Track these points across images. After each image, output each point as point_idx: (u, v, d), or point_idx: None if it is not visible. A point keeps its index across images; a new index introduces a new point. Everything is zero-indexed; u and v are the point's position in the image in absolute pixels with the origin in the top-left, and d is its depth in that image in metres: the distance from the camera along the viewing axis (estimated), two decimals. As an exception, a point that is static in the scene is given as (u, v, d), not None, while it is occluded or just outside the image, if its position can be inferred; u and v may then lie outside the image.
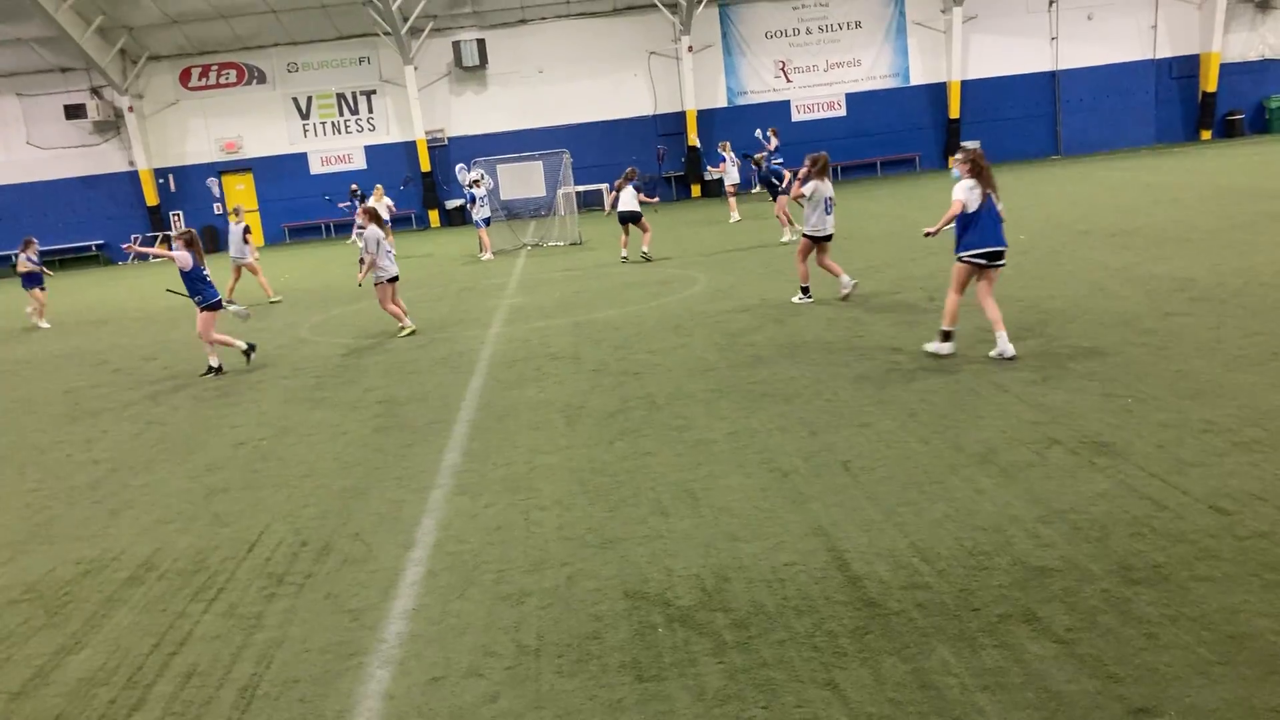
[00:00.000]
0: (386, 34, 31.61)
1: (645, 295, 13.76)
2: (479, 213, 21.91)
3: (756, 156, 20.15)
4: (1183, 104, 34.28)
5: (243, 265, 17.69)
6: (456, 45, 32.73)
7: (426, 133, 33.37)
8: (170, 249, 11.50)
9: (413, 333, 12.48)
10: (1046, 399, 6.87)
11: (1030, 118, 33.98)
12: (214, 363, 11.25)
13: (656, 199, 20.96)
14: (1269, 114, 33.84)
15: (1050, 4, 33.75)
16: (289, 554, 5.55)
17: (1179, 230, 13.98)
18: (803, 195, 11.55)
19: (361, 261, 12.37)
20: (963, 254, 8.21)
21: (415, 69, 32.59)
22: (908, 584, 4.38)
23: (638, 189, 17.98)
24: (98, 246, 33.43)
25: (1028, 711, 3.37)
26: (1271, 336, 7.84)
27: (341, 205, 27.48)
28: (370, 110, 34.03)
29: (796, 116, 33.94)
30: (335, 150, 34.14)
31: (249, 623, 4.72)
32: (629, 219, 17.90)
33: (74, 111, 32.53)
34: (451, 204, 33.56)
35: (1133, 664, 3.59)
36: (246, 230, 17.81)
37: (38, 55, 32.03)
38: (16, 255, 18.24)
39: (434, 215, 34.02)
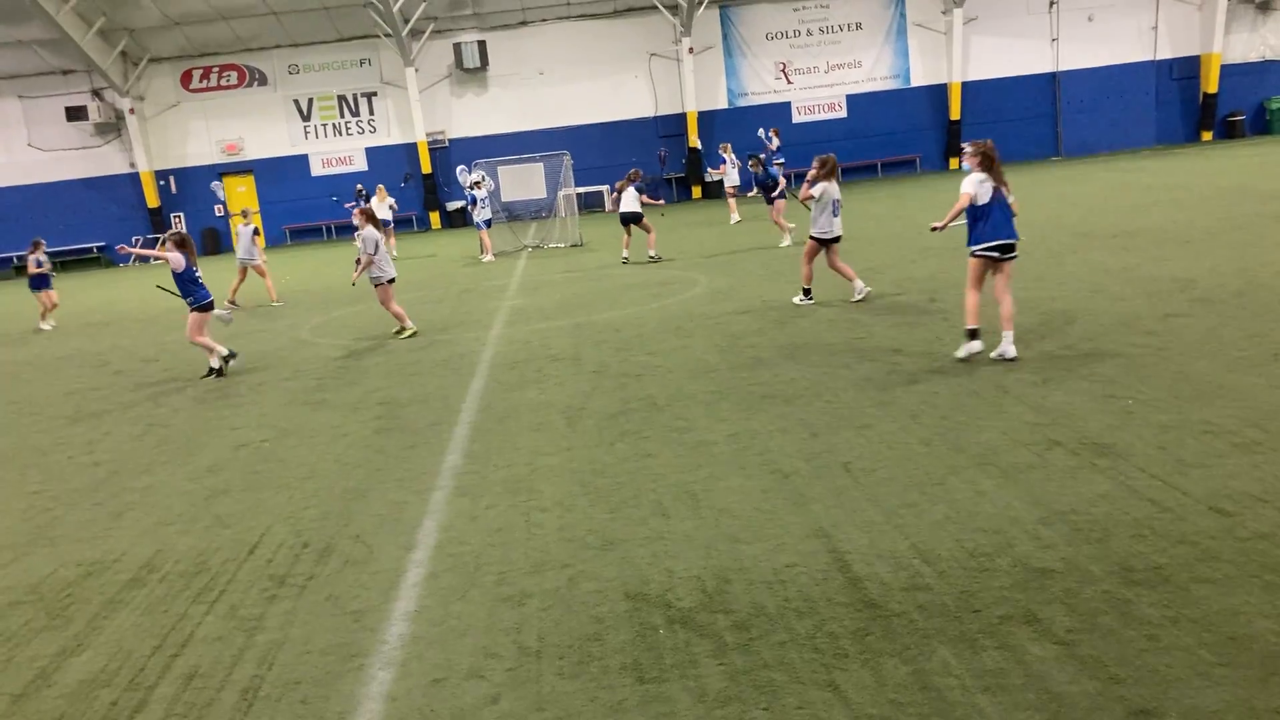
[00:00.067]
0: (387, 36, 31.64)
1: (646, 297, 13.76)
2: (480, 214, 21.93)
3: (758, 157, 20.14)
4: (1183, 105, 34.30)
5: (252, 267, 17.73)
6: (457, 47, 32.77)
7: (427, 134, 33.40)
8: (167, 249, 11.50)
9: (414, 334, 12.49)
10: (1047, 400, 6.87)
11: (1031, 119, 33.99)
12: (214, 364, 11.25)
13: (662, 200, 20.95)
14: (1269, 115, 33.86)
15: (1051, 5, 33.77)
16: (290, 556, 5.56)
17: (1180, 231, 13.98)
18: (812, 197, 11.49)
19: (358, 262, 12.39)
20: (974, 248, 8.16)
21: (416, 71, 32.63)
22: (909, 585, 4.38)
23: (640, 190, 17.98)
24: (99, 248, 33.46)
25: (1028, 713, 3.37)
26: (1272, 338, 7.84)
27: (348, 206, 27.48)
28: (371, 112, 34.07)
29: (797, 118, 33.96)
30: (336, 152, 34.18)
31: (250, 624, 4.72)
32: (630, 220, 17.92)
33: (75, 113, 32.58)
34: (452, 206, 33.59)
35: (1134, 665, 3.59)
36: (256, 232, 17.87)
37: (39, 57, 32.08)
38: (28, 257, 18.17)
39: (435, 217, 34.05)
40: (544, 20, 33.39)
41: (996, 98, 33.79)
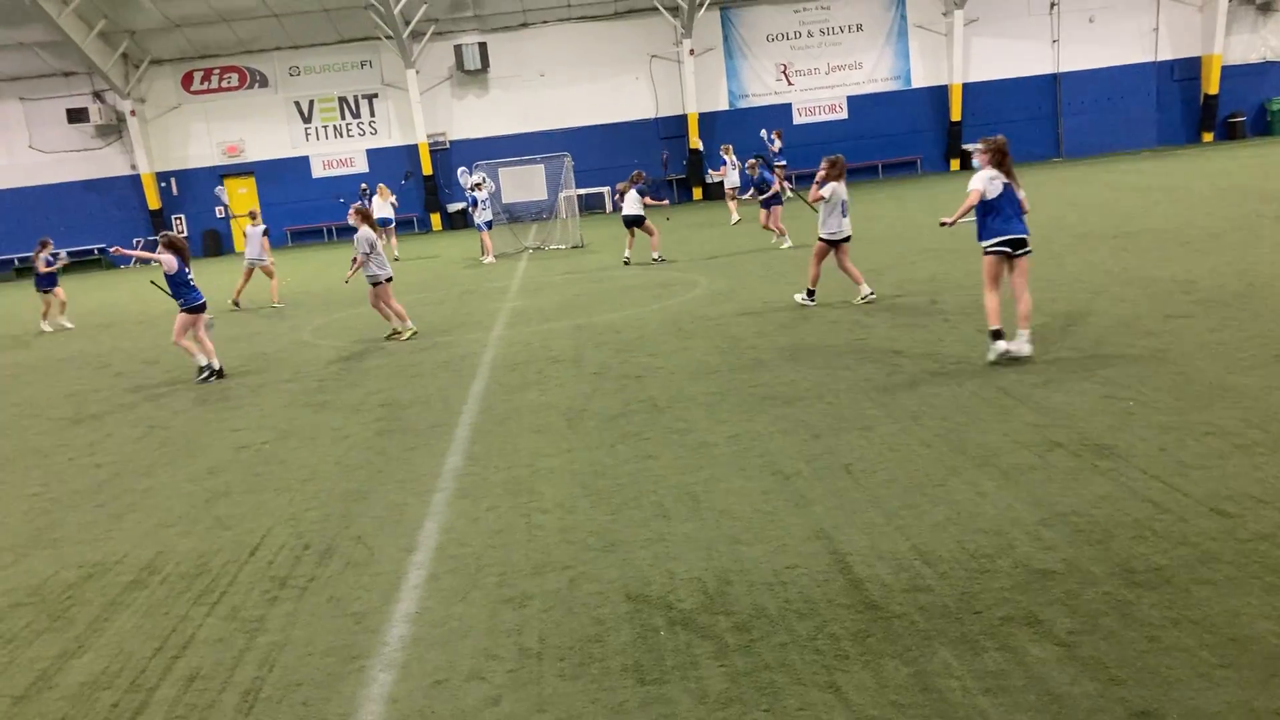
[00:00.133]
0: (388, 37, 31.66)
1: (647, 298, 13.76)
2: (481, 216, 21.94)
3: (762, 158, 20.12)
4: (1184, 106, 34.28)
5: (260, 267, 17.78)
6: (458, 49, 32.77)
7: (428, 136, 33.41)
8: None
9: (414, 335, 12.50)
10: (1048, 402, 6.87)
11: (1032, 120, 33.96)
12: (215, 365, 11.26)
13: (666, 201, 20.89)
14: (1270, 116, 33.84)
15: (1051, 7, 33.77)
16: (291, 557, 5.56)
17: (1180, 232, 13.98)
18: (822, 198, 11.45)
19: (355, 261, 12.42)
20: (986, 244, 8.10)
21: (417, 72, 32.64)
22: (909, 587, 4.38)
23: (641, 193, 17.97)
24: (100, 250, 33.48)
25: (1029, 714, 3.37)
26: (1273, 339, 7.84)
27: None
28: (372, 114, 34.08)
29: (798, 119, 33.96)
30: (337, 154, 34.20)
31: (251, 626, 4.72)
32: (632, 223, 17.93)
33: (76, 115, 32.60)
34: (453, 207, 33.60)
35: (1134, 667, 3.59)
36: (265, 232, 17.92)
37: (40, 60, 32.11)
38: (37, 255, 18.10)
39: (436, 219, 34.06)
40: (545, 22, 33.40)
41: (997, 99, 33.78)
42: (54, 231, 32.03)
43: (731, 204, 23.89)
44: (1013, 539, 4.75)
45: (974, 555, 4.62)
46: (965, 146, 9.28)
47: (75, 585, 5.51)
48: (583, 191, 30.00)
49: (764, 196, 18.08)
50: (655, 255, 17.72)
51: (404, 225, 31.89)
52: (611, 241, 22.22)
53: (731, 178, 24.61)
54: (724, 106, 34.15)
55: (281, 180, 33.91)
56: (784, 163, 23.87)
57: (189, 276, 11.20)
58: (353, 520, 6.06)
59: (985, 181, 7.98)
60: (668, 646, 4.10)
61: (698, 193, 33.82)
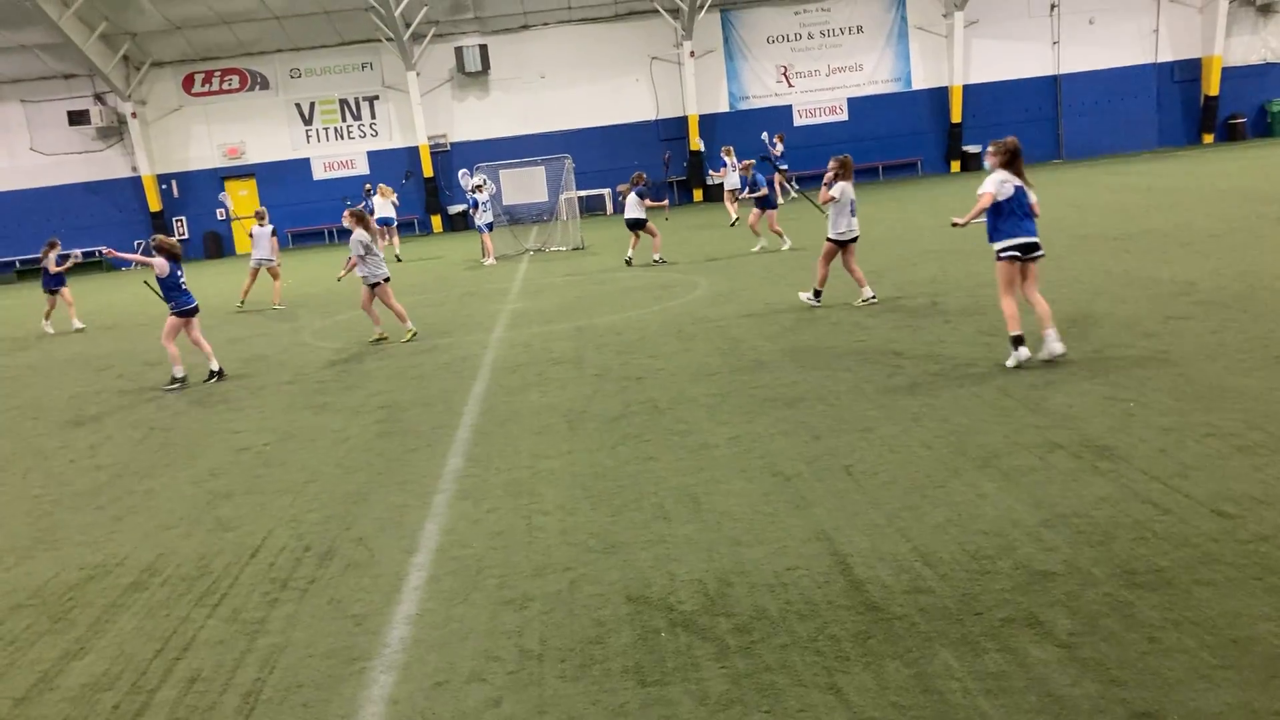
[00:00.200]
0: (389, 39, 31.69)
1: (647, 300, 13.77)
2: (481, 218, 21.96)
3: (748, 162, 20.10)
4: (1184, 108, 34.29)
5: (268, 268, 17.81)
6: (459, 51, 32.80)
7: (429, 138, 33.44)
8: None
9: (413, 336, 12.50)
10: (1048, 403, 6.87)
11: (1032, 122, 33.96)
12: (215, 366, 11.27)
13: (665, 202, 20.89)
14: (1271, 117, 33.85)
15: (1052, 8, 33.78)
16: (292, 559, 5.56)
17: (1181, 234, 13.98)
18: (833, 199, 11.42)
19: (349, 261, 12.48)
20: (998, 247, 8.01)
21: (418, 74, 32.67)
22: (910, 588, 4.38)
23: (641, 195, 17.97)
24: (100, 252, 33.48)
25: (1030, 715, 3.37)
26: (1273, 340, 7.83)
27: (358, 208, 27.55)
28: (373, 116, 34.11)
29: (799, 121, 33.98)
30: (338, 156, 34.23)
31: (252, 628, 4.73)
32: (634, 226, 17.94)
33: (77, 118, 32.64)
34: (454, 209, 33.62)
35: (1135, 668, 3.59)
36: (274, 233, 17.96)
37: (41, 62, 32.14)
38: (48, 255, 18.06)
39: (436, 220, 34.07)
40: (545, 24, 33.43)
41: (998, 101, 33.80)
42: (55, 233, 32.09)
43: (731, 205, 23.91)
44: (1013, 540, 4.75)
45: (975, 556, 4.62)
46: (994, 140, 9.12)
47: (76, 587, 5.51)
48: (583, 193, 30.02)
49: (755, 196, 18.09)
50: (656, 257, 17.73)
51: (404, 227, 31.90)
52: (612, 243, 22.23)
53: (731, 179, 24.62)
54: (724, 108, 34.17)
55: (282, 182, 33.93)
56: (785, 166, 23.91)
57: (181, 280, 11.18)
58: (354, 522, 6.07)
59: (997, 184, 7.91)
60: (669, 648, 4.10)
61: (698, 194, 33.84)
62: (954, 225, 8.41)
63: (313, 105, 33.95)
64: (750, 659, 3.93)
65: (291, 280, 21.99)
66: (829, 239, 11.48)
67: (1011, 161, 7.98)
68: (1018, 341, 7.92)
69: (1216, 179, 21.49)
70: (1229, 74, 33.51)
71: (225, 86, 33.67)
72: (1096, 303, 10.04)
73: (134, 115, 32.67)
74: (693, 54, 32.76)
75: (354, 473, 7.11)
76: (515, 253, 23.16)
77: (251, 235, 18.15)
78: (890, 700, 3.55)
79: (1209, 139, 33.95)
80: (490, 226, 22.06)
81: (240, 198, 33.40)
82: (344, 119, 34.08)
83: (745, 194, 18.96)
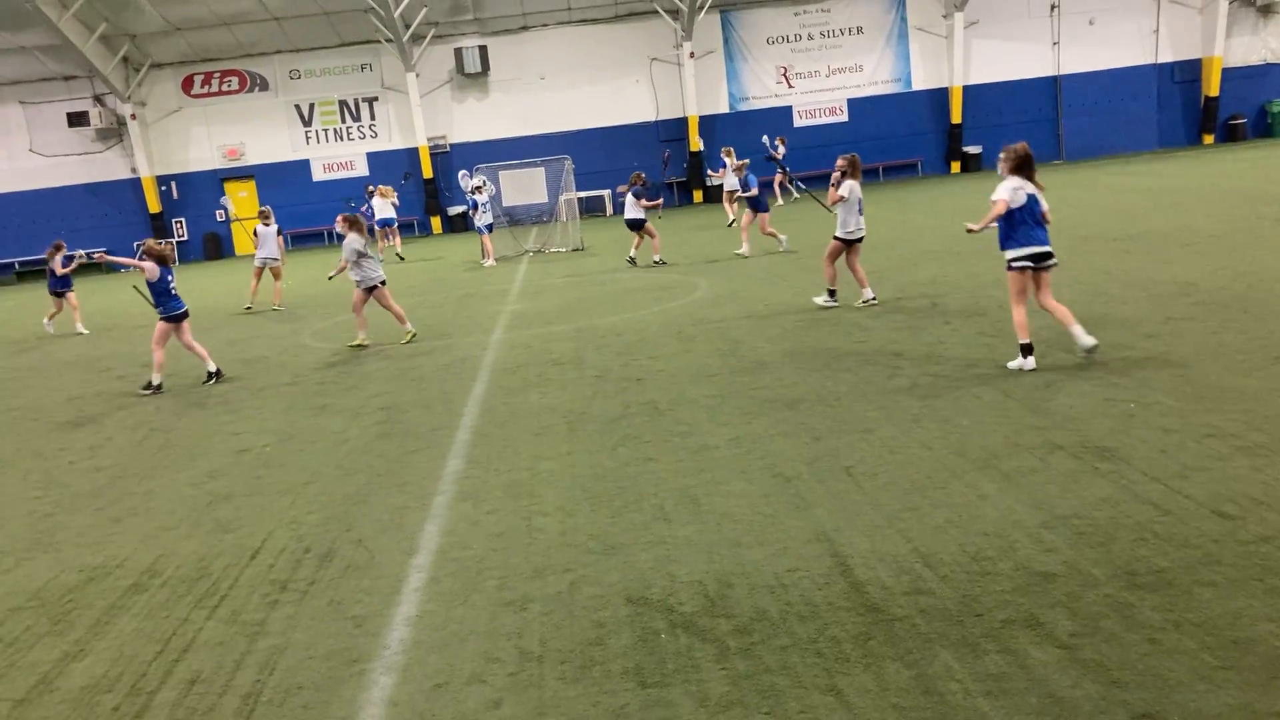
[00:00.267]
0: (389, 41, 31.69)
1: (647, 301, 13.77)
2: (481, 219, 21.96)
3: (742, 163, 20.09)
4: (1185, 108, 34.28)
5: (272, 267, 17.83)
6: (458, 52, 32.79)
7: (429, 139, 33.43)
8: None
9: (413, 337, 12.49)
10: (1049, 404, 6.87)
11: (1032, 123, 33.94)
12: (212, 368, 11.26)
13: (660, 201, 20.93)
14: (1271, 118, 33.84)
15: (1052, 9, 33.78)
16: (292, 561, 5.56)
17: (1181, 235, 13.98)
18: (842, 199, 11.40)
19: (342, 263, 12.51)
20: (1010, 257, 7.97)
21: (417, 76, 32.66)
22: (911, 589, 4.37)
23: (638, 196, 17.98)
24: (91, 256, 33.47)
25: (1030, 717, 3.37)
26: (1274, 340, 7.83)
27: (362, 209, 27.57)
28: (372, 117, 34.10)
29: (799, 122, 33.98)
30: (338, 157, 34.22)
31: (252, 629, 4.72)
32: (634, 226, 17.96)
33: (77, 119, 32.63)
34: (454, 210, 33.61)
35: (1136, 669, 3.58)
36: (279, 231, 17.98)
37: (41, 63, 32.14)
38: (54, 257, 17.97)
39: (436, 222, 34.07)
40: (545, 25, 33.42)
41: (998, 101, 33.79)
42: (55, 235, 32.06)
43: (729, 206, 23.92)
44: (1014, 541, 4.75)
45: (975, 558, 4.62)
46: (1006, 145, 9.08)
47: (76, 589, 5.51)
48: (583, 194, 30.01)
49: (747, 196, 18.11)
50: (656, 258, 17.73)
51: (404, 228, 31.87)
52: (612, 244, 22.24)
53: (730, 180, 24.60)
54: (724, 109, 34.17)
55: (282, 184, 33.90)
56: (786, 168, 23.94)
57: (171, 285, 11.15)
58: (353, 523, 6.06)
59: (1010, 191, 7.85)
60: (669, 650, 4.10)
61: (698, 195, 33.84)
62: (968, 231, 8.37)
63: (312, 106, 33.94)
64: (751, 660, 3.93)
65: (291, 282, 21.98)
66: (836, 237, 11.48)
67: (1023, 167, 7.94)
68: (1027, 350, 7.90)
69: (1217, 180, 21.49)
70: (1229, 74, 33.50)
71: (225, 88, 33.65)
72: (1097, 303, 10.04)
73: (133, 117, 32.66)
74: (692, 55, 32.76)
75: (354, 474, 7.10)
76: (515, 254, 23.16)
77: (256, 234, 18.16)
78: (891, 702, 3.55)
79: (1209, 140, 33.95)
80: (490, 228, 22.06)
81: (240, 199, 33.41)
82: (343, 120, 34.07)
83: (740, 194, 18.99)
